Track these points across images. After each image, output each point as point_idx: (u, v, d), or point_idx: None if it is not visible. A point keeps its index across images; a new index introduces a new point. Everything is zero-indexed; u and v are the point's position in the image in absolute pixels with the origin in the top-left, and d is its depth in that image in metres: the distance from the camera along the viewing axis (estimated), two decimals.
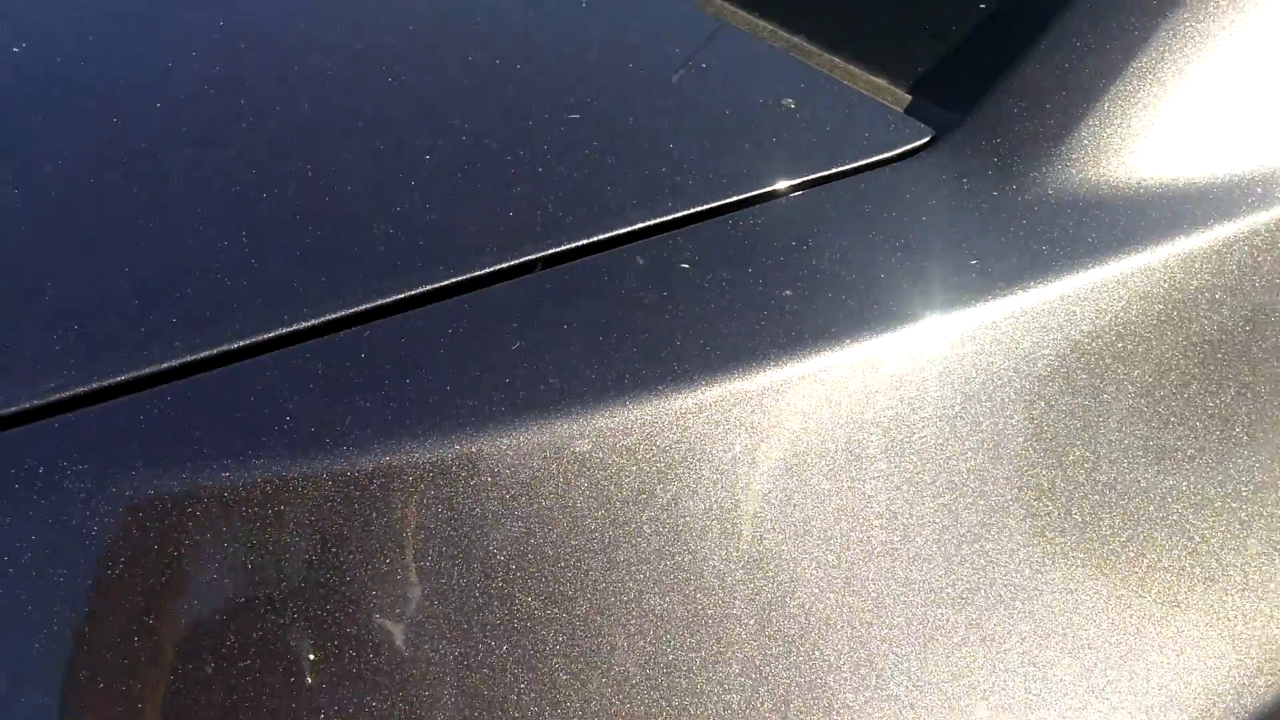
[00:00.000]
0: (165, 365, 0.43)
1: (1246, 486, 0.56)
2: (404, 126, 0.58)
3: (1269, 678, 0.58)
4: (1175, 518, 0.54)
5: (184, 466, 0.40)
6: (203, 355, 0.44)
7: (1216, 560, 0.56)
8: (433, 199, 0.52)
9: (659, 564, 0.44)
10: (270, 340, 0.45)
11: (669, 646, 0.44)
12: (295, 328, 0.45)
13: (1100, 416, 0.52)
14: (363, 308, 0.46)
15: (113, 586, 0.40)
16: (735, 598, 0.45)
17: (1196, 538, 0.55)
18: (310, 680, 0.41)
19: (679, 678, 0.44)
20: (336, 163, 0.55)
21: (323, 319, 0.45)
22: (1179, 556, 0.54)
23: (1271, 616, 0.57)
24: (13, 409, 0.42)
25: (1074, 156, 0.56)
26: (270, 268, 0.48)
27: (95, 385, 0.42)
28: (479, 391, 0.44)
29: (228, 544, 0.40)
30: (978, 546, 0.50)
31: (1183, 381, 0.55)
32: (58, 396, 0.42)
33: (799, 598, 0.46)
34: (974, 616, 0.49)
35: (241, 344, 0.44)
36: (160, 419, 0.41)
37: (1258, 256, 0.57)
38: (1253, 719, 0.57)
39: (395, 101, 0.60)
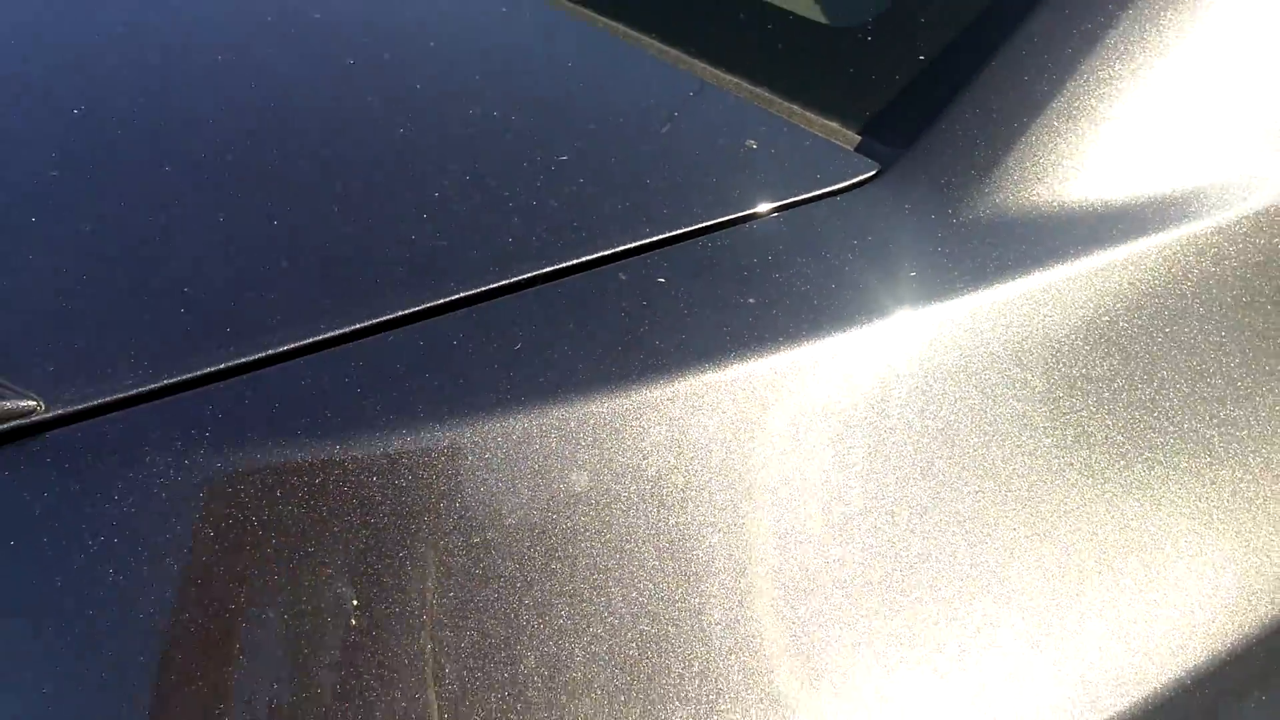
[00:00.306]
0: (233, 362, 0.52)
1: (1158, 484, 0.64)
2: (409, 169, 0.66)
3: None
4: (1079, 506, 0.61)
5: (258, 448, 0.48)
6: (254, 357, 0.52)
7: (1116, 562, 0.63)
8: (442, 226, 0.60)
9: (648, 532, 0.51)
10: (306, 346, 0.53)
11: (656, 617, 0.51)
12: (333, 334, 0.53)
13: (1021, 408, 0.60)
14: (397, 314, 0.54)
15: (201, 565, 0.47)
16: (715, 559, 0.52)
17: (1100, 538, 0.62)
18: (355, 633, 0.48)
19: (668, 655, 0.51)
20: (357, 196, 0.63)
21: (356, 325, 0.54)
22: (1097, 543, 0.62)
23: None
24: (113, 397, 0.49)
25: (1001, 183, 0.65)
26: (302, 285, 0.56)
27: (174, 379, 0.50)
28: (488, 384, 0.52)
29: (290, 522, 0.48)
30: (928, 520, 0.57)
31: (1105, 377, 0.62)
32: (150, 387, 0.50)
33: (770, 561, 0.53)
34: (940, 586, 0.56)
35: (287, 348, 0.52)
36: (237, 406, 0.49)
37: (1171, 267, 0.65)
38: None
39: (391, 154, 0.68)
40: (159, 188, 0.64)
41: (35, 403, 0.49)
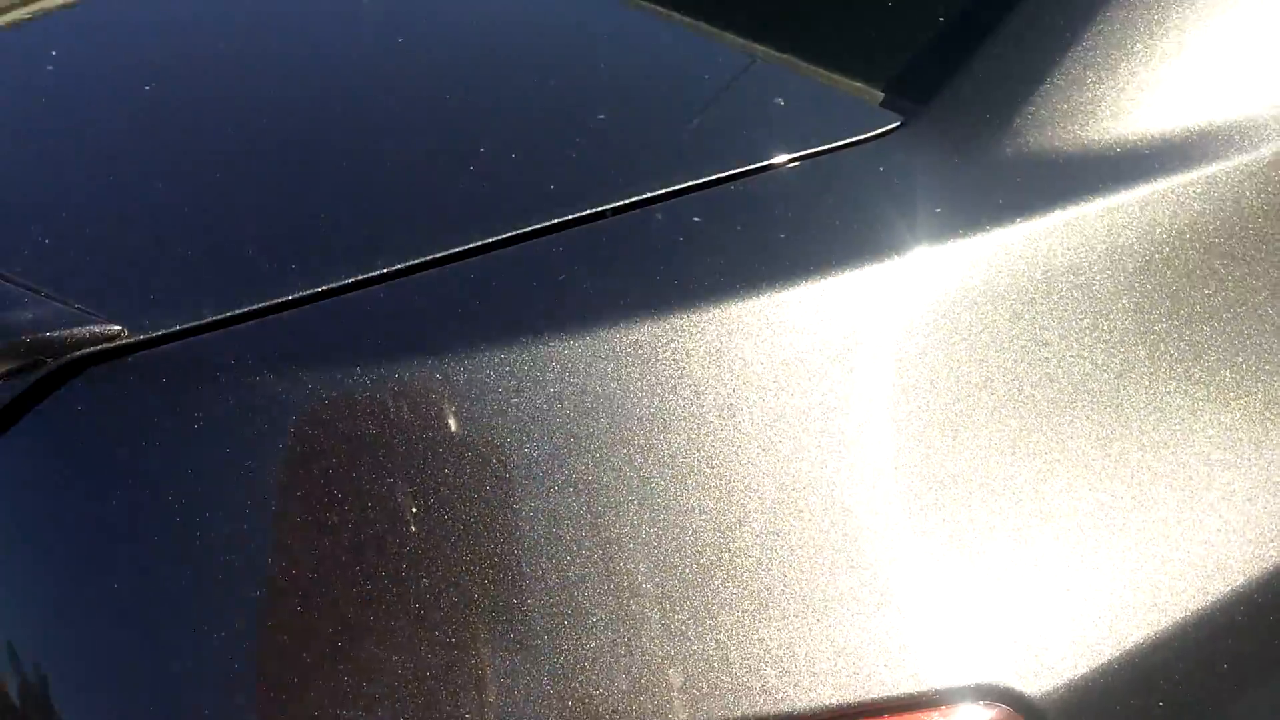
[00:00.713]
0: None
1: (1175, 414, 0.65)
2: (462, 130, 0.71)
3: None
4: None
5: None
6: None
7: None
8: (500, 176, 0.65)
9: (688, 447, 0.54)
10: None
11: (690, 530, 0.54)
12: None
13: (1047, 337, 0.62)
14: (464, 247, 0.59)
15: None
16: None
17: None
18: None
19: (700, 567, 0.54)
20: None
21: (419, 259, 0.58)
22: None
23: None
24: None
25: (1023, 128, 0.68)
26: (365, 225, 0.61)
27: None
28: (538, 311, 0.55)
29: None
30: (959, 443, 0.59)
31: (1130, 309, 0.64)
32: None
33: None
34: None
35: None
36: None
37: (1193, 205, 0.67)
38: None
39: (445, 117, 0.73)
40: (226, 142, 0.70)
41: (120, 328, 0.53)
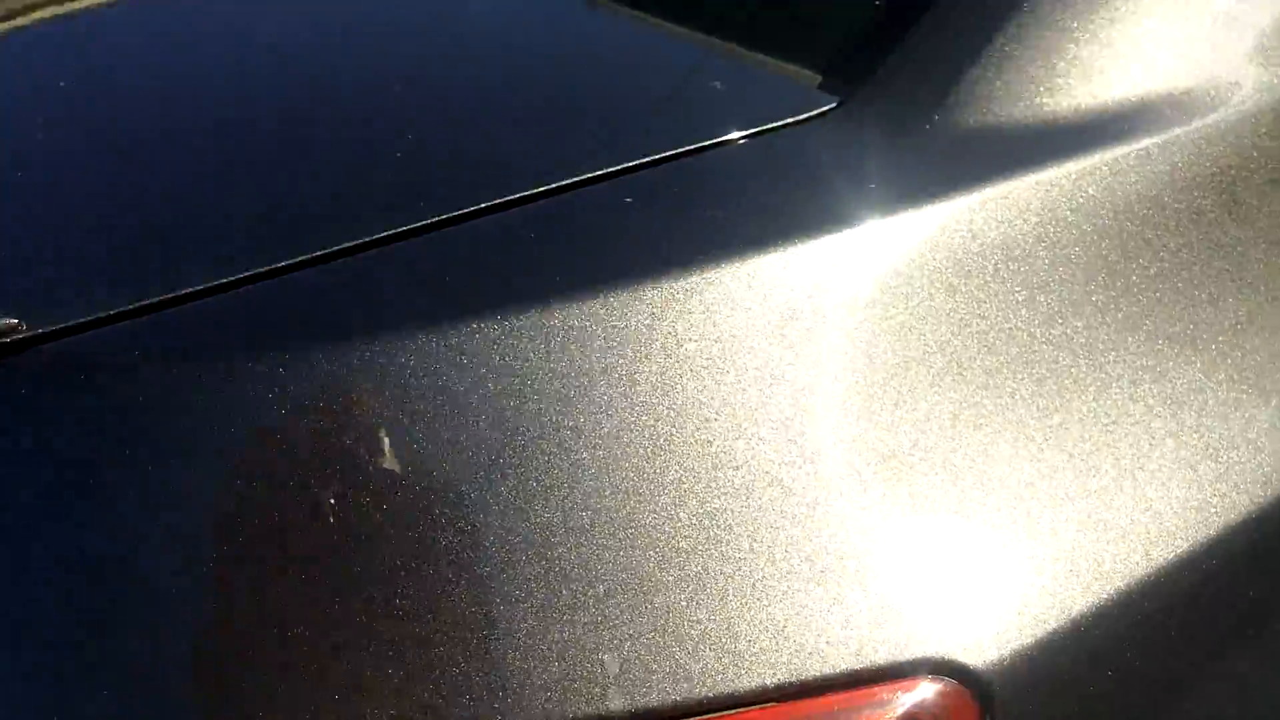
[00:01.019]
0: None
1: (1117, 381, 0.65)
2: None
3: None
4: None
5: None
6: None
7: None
8: (433, 160, 0.65)
9: (638, 409, 0.54)
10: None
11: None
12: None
13: (990, 311, 0.62)
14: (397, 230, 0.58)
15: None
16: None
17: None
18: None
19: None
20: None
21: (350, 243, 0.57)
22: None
23: None
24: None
25: (951, 109, 0.68)
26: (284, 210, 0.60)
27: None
28: (471, 288, 0.55)
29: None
30: (903, 414, 0.59)
31: (1065, 280, 0.64)
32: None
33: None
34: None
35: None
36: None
37: (1129, 176, 0.67)
38: None
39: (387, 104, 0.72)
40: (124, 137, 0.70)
41: (17, 320, 0.52)
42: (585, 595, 0.50)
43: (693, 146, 0.65)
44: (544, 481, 0.52)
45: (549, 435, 0.52)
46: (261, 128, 0.74)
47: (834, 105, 0.69)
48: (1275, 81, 0.74)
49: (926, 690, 0.53)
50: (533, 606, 0.49)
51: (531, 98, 0.72)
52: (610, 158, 0.63)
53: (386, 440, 0.52)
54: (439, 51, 0.80)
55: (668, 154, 0.64)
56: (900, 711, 0.53)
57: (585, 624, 0.49)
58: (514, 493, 0.51)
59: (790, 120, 0.68)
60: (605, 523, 0.51)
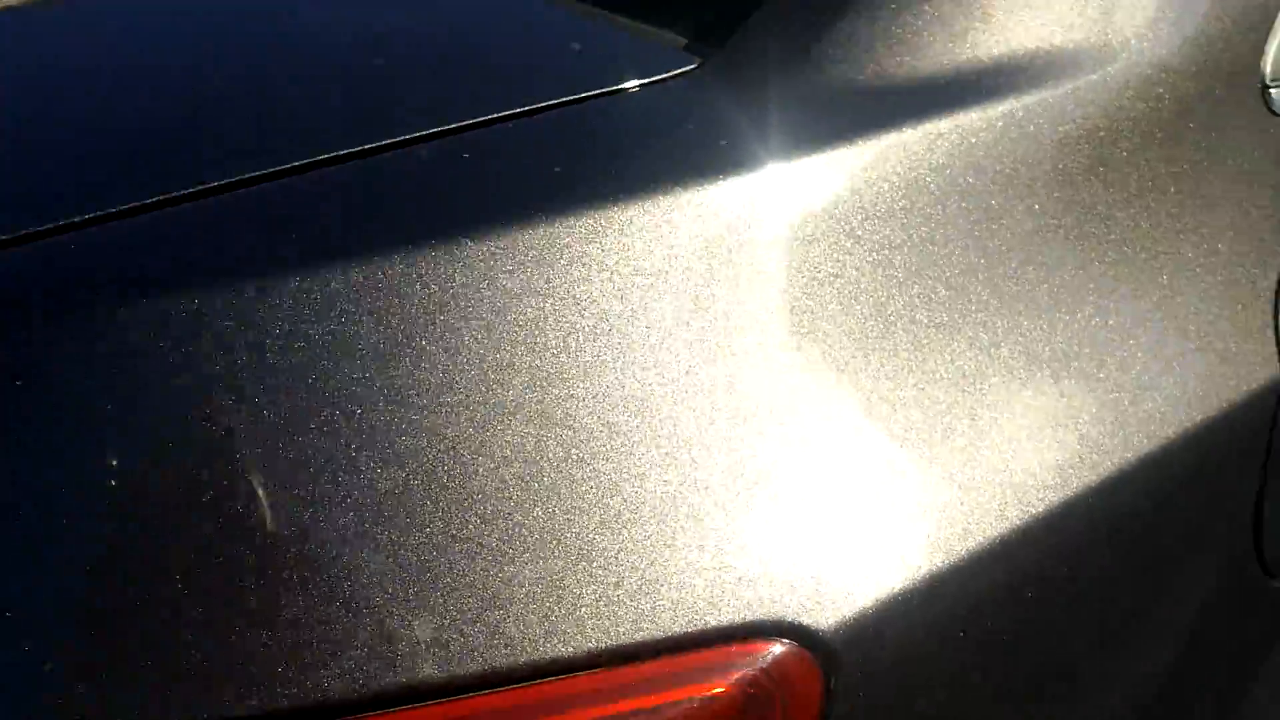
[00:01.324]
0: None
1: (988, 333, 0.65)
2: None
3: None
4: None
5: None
6: None
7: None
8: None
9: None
10: None
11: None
12: None
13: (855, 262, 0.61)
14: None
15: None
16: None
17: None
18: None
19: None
20: None
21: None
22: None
23: None
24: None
25: (816, 65, 0.67)
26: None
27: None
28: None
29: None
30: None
31: (923, 240, 0.63)
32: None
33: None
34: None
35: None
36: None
37: (977, 140, 0.66)
38: None
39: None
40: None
41: None
42: (390, 558, 0.48)
43: (540, 105, 0.63)
44: (363, 440, 0.49)
45: (372, 394, 0.50)
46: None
47: (695, 66, 0.68)
48: (1144, 44, 0.73)
49: (767, 654, 0.52)
50: (337, 572, 0.47)
51: (393, 56, 0.71)
52: (449, 117, 0.61)
53: (201, 399, 0.49)
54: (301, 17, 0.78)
55: (516, 111, 0.62)
56: (739, 675, 0.51)
57: (393, 587, 0.47)
58: (329, 453, 0.49)
59: (647, 81, 0.66)
60: (421, 483, 0.49)
